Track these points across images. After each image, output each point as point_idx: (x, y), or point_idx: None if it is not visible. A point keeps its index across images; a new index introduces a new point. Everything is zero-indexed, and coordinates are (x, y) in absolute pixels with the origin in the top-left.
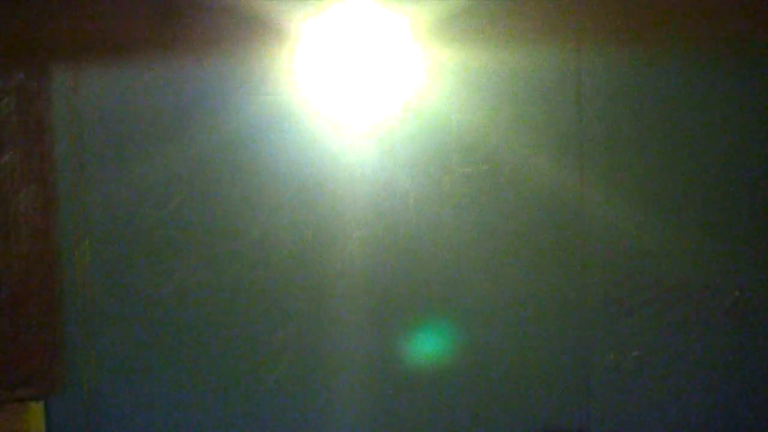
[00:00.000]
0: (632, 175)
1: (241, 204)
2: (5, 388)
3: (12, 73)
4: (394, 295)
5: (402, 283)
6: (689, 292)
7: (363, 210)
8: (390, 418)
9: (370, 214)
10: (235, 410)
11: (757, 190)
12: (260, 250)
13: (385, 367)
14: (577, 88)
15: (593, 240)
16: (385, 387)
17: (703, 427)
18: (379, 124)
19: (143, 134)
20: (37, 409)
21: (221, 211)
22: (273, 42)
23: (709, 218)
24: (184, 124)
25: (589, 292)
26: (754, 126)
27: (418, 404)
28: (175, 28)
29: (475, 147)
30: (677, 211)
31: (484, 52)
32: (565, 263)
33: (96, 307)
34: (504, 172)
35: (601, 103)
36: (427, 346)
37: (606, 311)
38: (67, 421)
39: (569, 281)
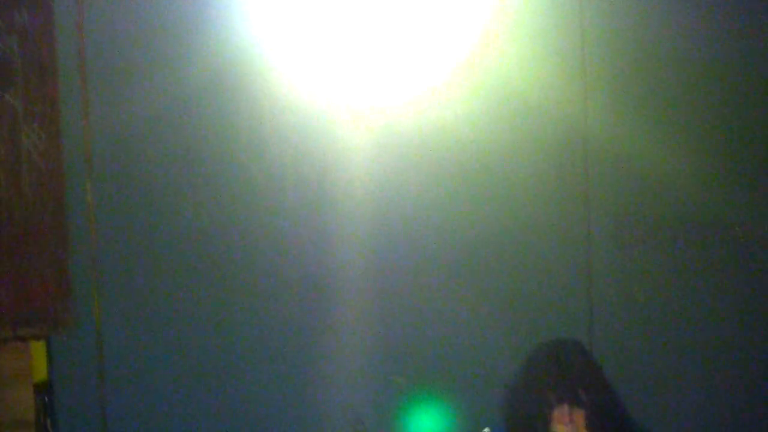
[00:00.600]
0: (637, 105)
1: (250, 134)
2: (10, 326)
3: (15, 12)
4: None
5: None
6: (693, 227)
7: None
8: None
9: None
10: (237, 349)
11: (763, 125)
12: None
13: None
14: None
15: (597, 173)
16: None
17: (704, 359)
18: None
19: (149, 69)
20: (41, 348)
21: (228, 146)
22: None
23: (715, 151)
24: (190, 57)
25: (594, 225)
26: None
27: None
28: None
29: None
30: (682, 143)
31: None
32: (569, 197)
33: (101, 248)
34: (505, 111)
35: (605, 31)
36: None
37: (610, 245)
38: (71, 361)
39: (573, 213)
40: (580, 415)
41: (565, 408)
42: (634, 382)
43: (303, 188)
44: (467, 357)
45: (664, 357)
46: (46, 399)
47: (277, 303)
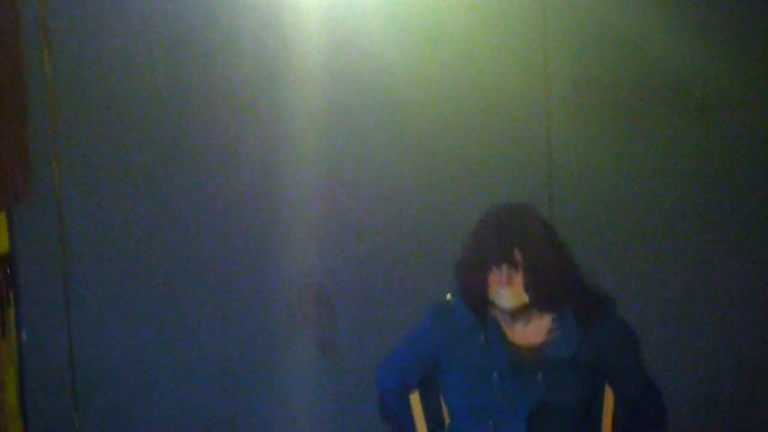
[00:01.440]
0: None
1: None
2: None
3: None
4: None
5: None
6: (659, 92)
7: None
8: None
9: None
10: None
11: None
12: None
13: None
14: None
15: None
16: None
17: (666, 226)
18: None
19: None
20: (1, 220)
21: None
22: None
23: (678, 12)
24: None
25: (553, 91)
26: None
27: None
28: None
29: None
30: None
31: None
32: (527, 62)
33: (60, 119)
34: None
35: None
36: None
37: (572, 111)
38: (31, 232)
39: (532, 79)
40: (518, 278)
41: (503, 269)
42: (595, 249)
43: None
44: (429, 225)
45: (625, 224)
46: (8, 271)
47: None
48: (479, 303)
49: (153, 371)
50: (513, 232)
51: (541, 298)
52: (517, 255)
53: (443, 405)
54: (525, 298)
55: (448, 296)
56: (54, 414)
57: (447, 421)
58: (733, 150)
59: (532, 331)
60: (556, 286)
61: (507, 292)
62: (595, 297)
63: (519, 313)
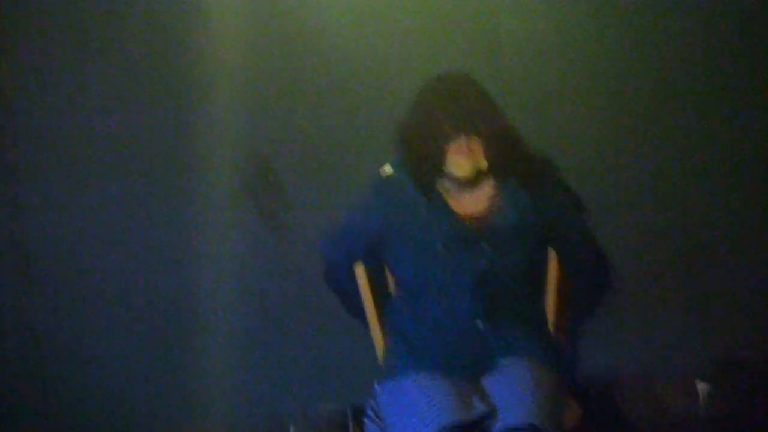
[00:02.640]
0: None
1: None
2: None
3: None
4: None
5: None
6: None
7: None
8: None
9: None
10: None
11: None
12: None
13: None
14: None
15: None
16: None
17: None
18: None
19: None
20: None
21: None
22: None
23: None
24: None
25: None
26: None
27: None
28: None
29: None
30: None
31: None
32: None
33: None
34: None
35: None
36: None
37: None
38: None
39: None
40: (478, 145)
41: (462, 138)
42: (536, 102)
43: None
44: (374, 97)
45: (570, 86)
46: None
47: None
48: (430, 174)
49: (94, 249)
50: (467, 102)
51: (497, 164)
52: (476, 121)
53: (389, 277)
54: (483, 164)
55: (387, 168)
56: None
57: (392, 290)
58: None
59: (478, 201)
60: (507, 152)
61: (465, 160)
62: (539, 163)
63: (469, 183)
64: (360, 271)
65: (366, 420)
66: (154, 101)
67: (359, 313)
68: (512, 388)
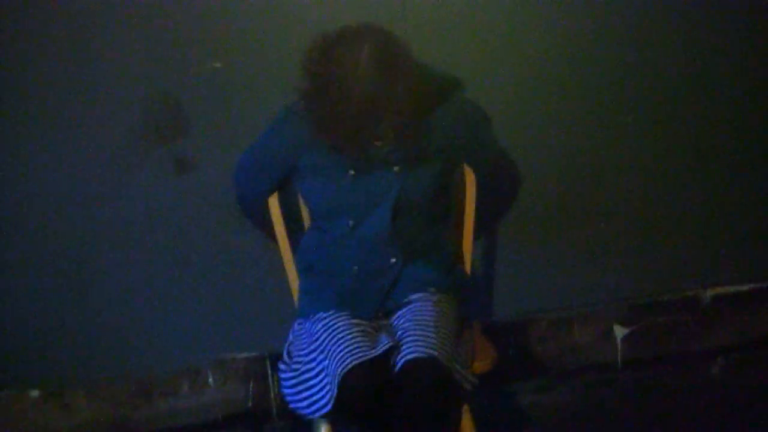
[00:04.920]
0: None
1: None
2: None
3: None
4: None
5: None
6: None
7: None
8: None
9: None
10: None
11: None
12: None
13: None
14: None
15: None
16: None
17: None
18: None
19: None
20: None
21: None
22: None
23: None
24: None
25: None
26: None
27: None
28: None
29: None
30: None
31: None
32: None
33: None
34: None
35: None
36: None
37: None
38: None
39: None
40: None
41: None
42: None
43: None
44: (281, 40)
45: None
46: None
47: None
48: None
49: (11, 192)
50: (373, 69)
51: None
52: (392, 107)
53: (302, 208)
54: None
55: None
56: None
57: (307, 223)
58: None
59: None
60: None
61: (379, 143)
62: (441, 80)
63: None
64: (273, 205)
65: (280, 364)
66: (62, 30)
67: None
68: (417, 323)
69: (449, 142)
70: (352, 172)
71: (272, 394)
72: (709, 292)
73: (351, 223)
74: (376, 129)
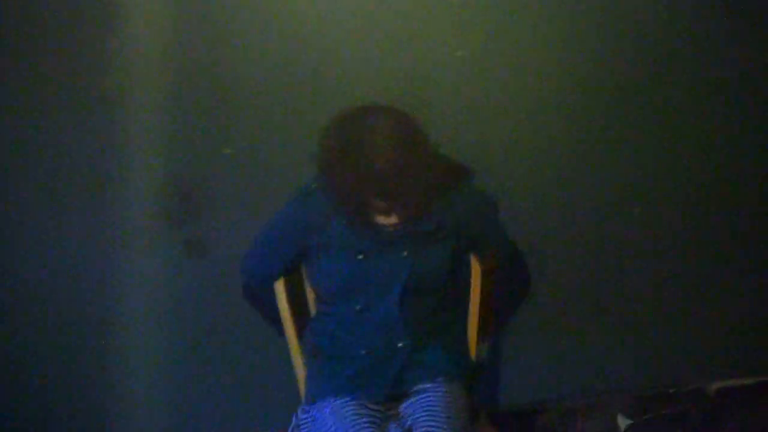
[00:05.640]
0: None
1: None
2: None
3: None
4: None
5: None
6: None
7: None
8: None
9: None
10: None
11: None
12: None
13: None
14: None
15: None
16: None
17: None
18: None
19: None
20: None
21: None
22: None
23: None
24: None
25: None
26: None
27: None
28: None
29: None
30: None
31: None
32: None
33: None
34: None
35: None
36: None
37: None
38: None
39: None
40: (396, 207)
41: (383, 203)
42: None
43: None
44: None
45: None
46: None
47: None
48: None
49: (14, 261)
50: (385, 149)
51: (412, 218)
52: (397, 187)
53: (308, 294)
54: (397, 219)
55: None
56: None
57: (312, 310)
58: None
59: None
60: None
61: (384, 219)
62: (452, 168)
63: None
64: (279, 290)
65: None
66: (79, 119)
67: (282, 332)
68: (429, 413)
69: (459, 226)
70: (361, 255)
71: None
72: (714, 385)
73: (359, 306)
74: (388, 207)
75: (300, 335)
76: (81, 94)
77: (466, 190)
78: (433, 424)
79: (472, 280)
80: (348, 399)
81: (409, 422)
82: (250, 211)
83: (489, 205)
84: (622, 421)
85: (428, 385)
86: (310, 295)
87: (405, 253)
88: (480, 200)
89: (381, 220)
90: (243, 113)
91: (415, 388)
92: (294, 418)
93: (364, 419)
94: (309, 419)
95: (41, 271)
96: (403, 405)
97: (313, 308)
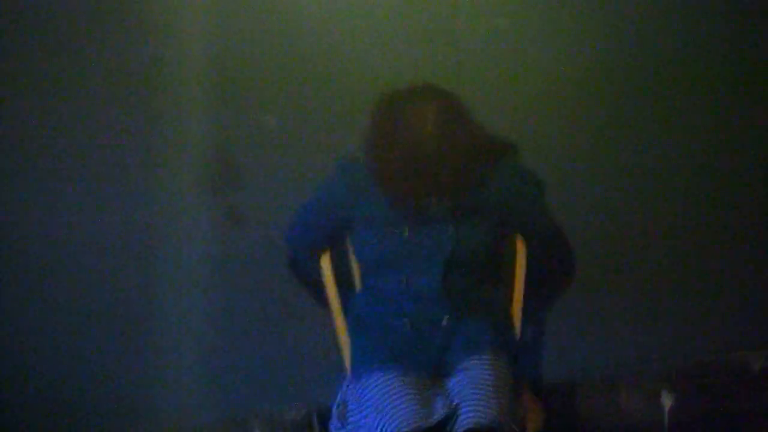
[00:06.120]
0: None
1: None
2: None
3: None
4: None
5: None
6: None
7: None
8: None
9: None
10: None
11: None
12: None
13: None
14: None
15: None
16: None
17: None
18: None
19: None
20: None
21: None
22: None
23: None
24: None
25: None
26: None
27: None
28: None
29: None
30: None
31: None
32: None
33: None
34: None
35: None
36: None
37: None
38: None
39: None
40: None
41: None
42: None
43: None
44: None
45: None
46: None
47: None
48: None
49: (65, 244)
50: (431, 123)
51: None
52: (441, 169)
53: (354, 265)
54: (440, 198)
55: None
56: None
57: (358, 282)
58: None
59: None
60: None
61: (427, 197)
62: (498, 145)
63: None
64: (325, 264)
65: (331, 424)
66: (121, 96)
67: (326, 304)
68: (475, 388)
69: (503, 202)
70: (406, 229)
71: None
72: (760, 356)
73: (402, 279)
74: (434, 183)
75: (344, 309)
76: (124, 67)
77: (510, 166)
78: (481, 400)
79: (517, 257)
80: (394, 374)
81: (456, 400)
82: (291, 181)
83: (533, 182)
84: (667, 398)
85: (474, 362)
86: (356, 270)
87: (449, 228)
88: (524, 177)
89: (424, 198)
90: (285, 84)
91: (461, 365)
92: (339, 392)
93: (410, 393)
94: (355, 393)
95: (86, 239)
96: (450, 382)
97: (358, 283)
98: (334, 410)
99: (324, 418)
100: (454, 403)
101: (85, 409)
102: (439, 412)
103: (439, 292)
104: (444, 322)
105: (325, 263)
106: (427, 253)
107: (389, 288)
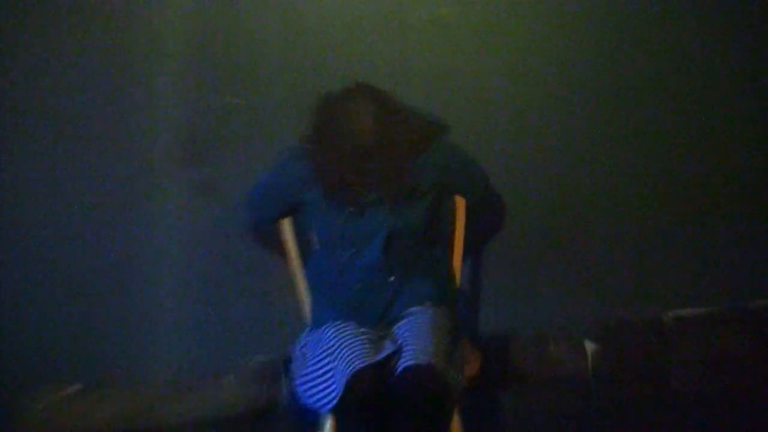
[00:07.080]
0: None
1: None
2: None
3: None
4: None
5: None
6: None
7: None
8: None
9: None
10: None
11: None
12: None
13: None
14: None
15: None
16: None
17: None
18: None
19: None
20: None
21: None
22: None
23: None
24: None
25: None
26: None
27: None
28: None
29: None
30: None
31: None
32: None
33: None
34: None
35: None
36: None
37: None
38: None
39: None
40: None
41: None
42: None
43: None
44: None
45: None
46: None
47: None
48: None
49: (40, 210)
50: (367, 126)
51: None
52: (373, 165)
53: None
54: (374, 193)
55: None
56: None
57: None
58: None
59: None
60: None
61: (372, 190)
62: (425, 128)
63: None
64: (285, 227)
65: (291, 365)
66: (97, 75)
67: (287, 263)
68: (416, 332)
69: (441, 177)
70: (350, 209)
71: (284, 392)
72: (671, 314)
73: (348, 253)
74: (369, 176)
75: (305, 267)
76: (99, 50)
77: (439, 144)
78: (419, 341)
79: (456, 215)
80: (348, 323)
81: (400, 341)
82: (254, 156)
83: (464, 151)
84: (589, 346)
85: (416, 309)
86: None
87: (385, 212)
88: (452, 148)
89: (361, 190)
90: (250, 68)
91: (404, 312)
92: (301, 338)
93: (362, 336)
94: (314, 338)
95: (65, 213)
96: (397, 328)
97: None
98: (297, 353)
99: (288, 363)
100: (399, 344)
101: (67, 361)
102: (386, 349)
103: (380, 262)
104: (391, 279)
105: (286, 226)
106: (367, 231)
107: (337, 259)
